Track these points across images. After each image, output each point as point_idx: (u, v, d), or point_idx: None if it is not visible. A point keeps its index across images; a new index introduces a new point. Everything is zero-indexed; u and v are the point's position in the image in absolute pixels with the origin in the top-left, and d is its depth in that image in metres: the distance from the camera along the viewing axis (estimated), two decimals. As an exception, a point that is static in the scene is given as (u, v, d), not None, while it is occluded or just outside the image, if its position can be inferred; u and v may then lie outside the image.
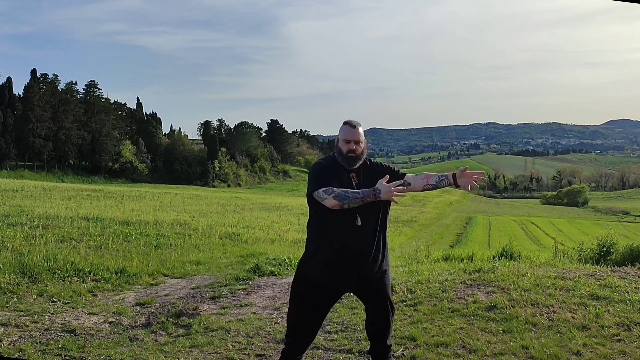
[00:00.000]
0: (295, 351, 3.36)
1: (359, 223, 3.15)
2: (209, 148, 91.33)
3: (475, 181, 3.20)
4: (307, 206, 3.29)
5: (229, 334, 4.47)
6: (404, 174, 3.33)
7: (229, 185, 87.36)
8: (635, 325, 4.39)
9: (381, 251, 3.29)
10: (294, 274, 3.47)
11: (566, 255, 8.65)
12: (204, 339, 4.31)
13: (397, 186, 2.99)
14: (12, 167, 72.73)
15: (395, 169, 3.38)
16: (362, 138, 3.28)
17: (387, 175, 3.06)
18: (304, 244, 3.46)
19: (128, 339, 4.36)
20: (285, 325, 3.46)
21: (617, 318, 4.54)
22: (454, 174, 3.25)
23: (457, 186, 3.23)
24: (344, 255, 3.20)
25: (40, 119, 74.09)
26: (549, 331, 4.35)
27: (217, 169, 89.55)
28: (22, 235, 9.05)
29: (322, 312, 3.35)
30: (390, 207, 3.33)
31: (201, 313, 5.02)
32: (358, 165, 3.28)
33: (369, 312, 3.44)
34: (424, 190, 3.35)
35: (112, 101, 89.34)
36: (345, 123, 3.31)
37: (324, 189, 3.09)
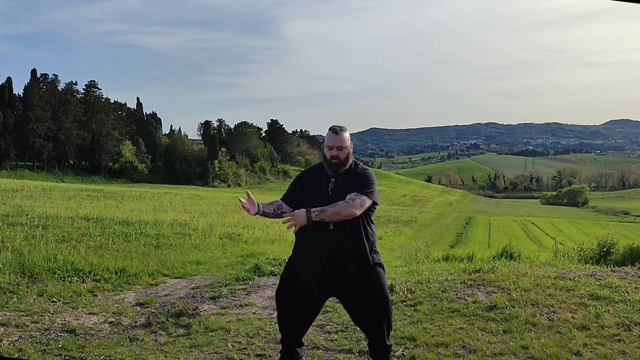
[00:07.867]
0: (291, 347, 3.51)
1: (331, 227, 3.23)
2: (209, 148, 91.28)
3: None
4: None
5: (229, 334, 4.48)
6: (358, 193, 3.23)
7: (229, 185, 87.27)
8: (635, 325, 4.39)
9: (362, 251, 3.31)
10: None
11: (566, 255, 8.65)
12: (204, 339, 4.32)
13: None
14: (12, 167, 72.65)
15: (363, 182, 3.29)
16: (346, 143, 3.30)
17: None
18: None
19: (128, 339, 4.36)
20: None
21: (617, 318, 4.54)
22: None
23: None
24: (319, 259, 3.28)
25: (40, 119, 74.03)
26: (549, 331, 4.35)
27: (217, 169, 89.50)
28: (22, 235, 9.04)
29: (306, 315, 3.50)
30: (374, 208, 3.38)
31: (201, 313, 5.02)
32: (343, 170, 3.32)
33: (365, 311, 3.43)
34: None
35: (112, 101, 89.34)
36: (329, 129, 3.36)
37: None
